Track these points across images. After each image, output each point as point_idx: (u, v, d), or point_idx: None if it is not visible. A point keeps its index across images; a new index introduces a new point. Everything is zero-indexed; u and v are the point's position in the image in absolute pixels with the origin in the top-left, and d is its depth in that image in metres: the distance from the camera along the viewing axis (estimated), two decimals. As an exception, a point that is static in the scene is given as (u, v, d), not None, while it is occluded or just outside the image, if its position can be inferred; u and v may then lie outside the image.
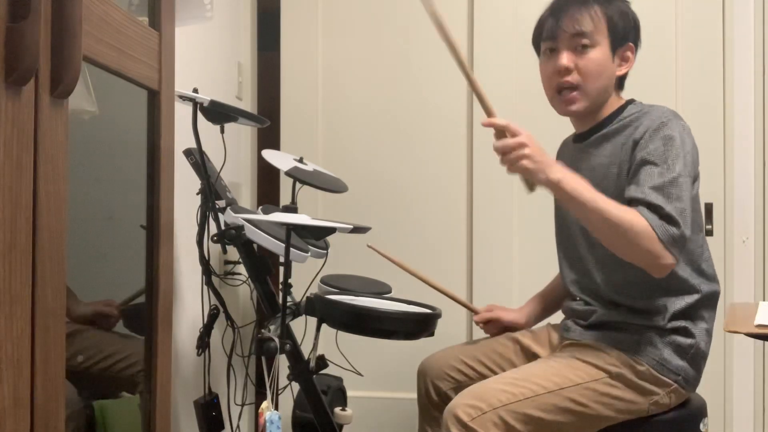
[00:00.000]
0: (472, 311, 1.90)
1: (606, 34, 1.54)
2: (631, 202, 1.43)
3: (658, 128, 1.46)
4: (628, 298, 1.52)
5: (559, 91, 1.58)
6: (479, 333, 2.05)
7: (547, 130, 2.30)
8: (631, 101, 1.61)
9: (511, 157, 1.40)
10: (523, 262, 2.36)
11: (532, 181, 1.44)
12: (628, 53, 1.59)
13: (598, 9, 1.54)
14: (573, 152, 1.67)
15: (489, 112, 1.49)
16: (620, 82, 1.62)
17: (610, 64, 1.56)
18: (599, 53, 1.54)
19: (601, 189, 1.53)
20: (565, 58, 1.54)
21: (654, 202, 1.39)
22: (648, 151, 1.45)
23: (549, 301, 1.85)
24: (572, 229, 1.63)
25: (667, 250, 1.38)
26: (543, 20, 1.61)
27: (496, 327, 1.84)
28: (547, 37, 1.58)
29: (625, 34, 1.57)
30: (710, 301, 1.54)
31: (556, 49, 1.57)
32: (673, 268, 1.42)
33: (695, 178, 1.49)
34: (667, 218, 1.38)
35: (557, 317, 1.75)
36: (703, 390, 1.58)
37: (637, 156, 1.47)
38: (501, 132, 1.44)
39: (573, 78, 1.55)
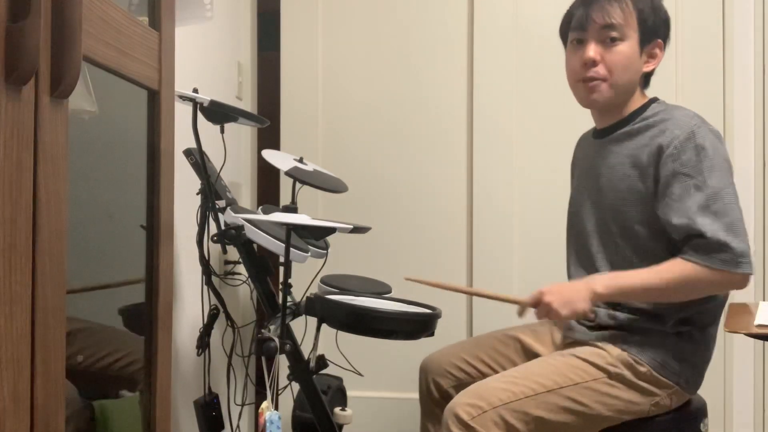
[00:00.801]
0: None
1: (636, 28, 1.52)
2: (678, 229, 1.43)
3: (689, 137, 1.44)
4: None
5: (584, 80, 1.55)
6: (479, 332, 2.05)
7: (547, 130, 2.31)
8: (654, 99, 1.59)
9: (551, 318, 1.50)
10: (523, 261, 2.36)
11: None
12: (656, 50, 1.57)
13: (629, 2, 1.52)
14: (592, 148, 1.66)
15: (514, 302, 1.55)
16: (646, 80, 1.60)
17: (638, 59, 1.54)
18: (627, 47, 1.52)
19: (618, 189, 1.53)
20: (593, 50, 1.52)
21: (700, 230, 1.40)
22: (681, 162, 1.44)
23: None
24: (586, 227, 1.62)
25: (731, 271, 1.39)
26: (573, 10, 1.59)
27: None
28: (575, 27, 1.56)
29: (655, 30, 1.55)
30: (716, 308, 1.53)
31: (584, 40, 1.55)
32: None
33: (733, 183, 1.47)
34: (716, 247, 1.39)
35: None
36: (703, 390, 1.58)
37: (668, 166, 1.45)
38: (533, 305, 1.51)
39: (599, 71, 1.53)
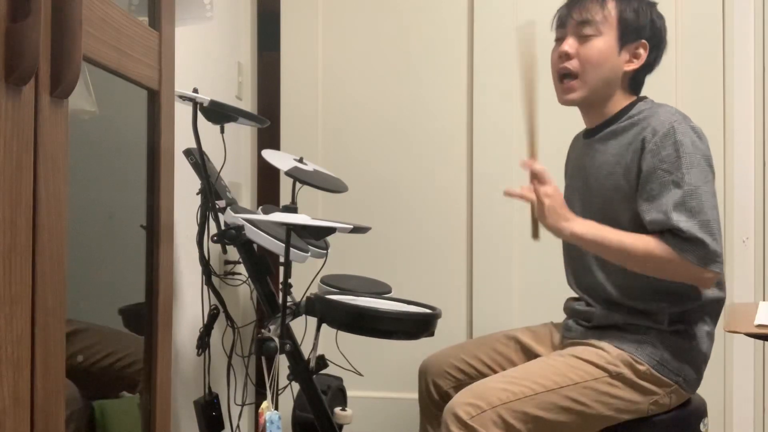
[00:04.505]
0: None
1: (615, 26, 1.55)
2: (652, 224, 1.44)
3: (668, 133, 1.45)
4: (629, 299, 1.52)
5: (561, 79, 1.60)
6: (479, 333, 2.05)
7: (547, 130, 2.31)
8: (641, 98, 1.61)
9: (533, 207, 1.49)
10: (523, 261, 2.36)
11: (538, 229, 1.51)
12: (640, 50, 1.58)
13: (611, 3, 1.56)
14: (582, 148, 1.68)
15: (532, 153, 1.54)
16: (633, 82, 1.61)
17: (615, 56, 1.56)
18: (602, 43, 1.55)
19: (604, 188, 1.54)
20: (567, 44, 1.57)
21: (676, 226, 1.40)
22: (660, 158, 1.44)
23: None
24: None
25: (702, 267, 1.39)
26: (558, 11, 1.64)
27: None
28: (557, 25, 1.62)
29: (636, 30, 1.56)
30: (712, 306, 1.54)
31: (563, 37, 1.60)
32: None
33: (713, 181, 1.48)
34: (690, 240, 1.39)
35: (561, 316, 1.75)
36: (703, 390, 1.58)
37: (648, 162, 1.46)
38: (534, 175, 1.50)
39: (573, 64, 1.56)
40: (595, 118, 1.62)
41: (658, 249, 1.41)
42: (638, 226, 1.49)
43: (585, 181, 1.62)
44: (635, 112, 1.56)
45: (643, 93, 1.64)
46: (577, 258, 1.63)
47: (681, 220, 1.39)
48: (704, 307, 1.52)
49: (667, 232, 1.42)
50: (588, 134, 1.66)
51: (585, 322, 1.60)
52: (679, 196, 1.41)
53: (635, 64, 1.59)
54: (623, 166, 1.52)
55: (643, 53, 1.59)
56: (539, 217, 1.49)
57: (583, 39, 1.56)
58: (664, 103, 1.57)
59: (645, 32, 1.58)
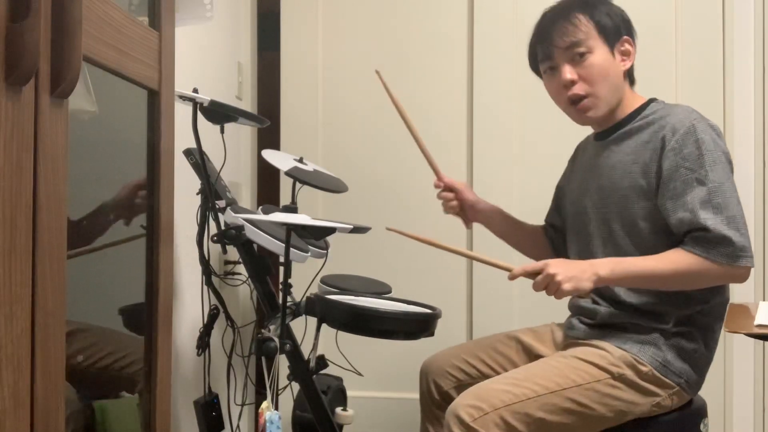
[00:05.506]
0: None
1: (598, 37, 1.55)
2: (680, 224, 1.44)
3: (689, 131, 1.46)
4: (636, 299, 1.52)
5: (572, 102, 1.58)
6: (479, 333, 2.05)
7: (547, 130, 2.31)
8: (653, 100, 1.61)
9: (550, 291, 1.44)
10: (523, 261, 2.35)
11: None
12: (627, 46, 1.59)
13: (582, 16, 1.55)
14: (594, 149, 1.67)
15: (506, 269, 1.50)
16: (630, 77, 1.62)
17: (613, 62, 1.56)
18: (598, 57, 1.55)
19: (620, 187, 1.54)
20: (567, 72, 1.55)
21: (702, 224, 1.40)
22: (683, 156, 1.45)
23: (504, 221, 1.87)
24: (587, 228, 1.63)
25: (733, 265, 1.40)
26: (534, 45, 1.62)
27: (455, 200, 1.87)
28: (544, 58, 1.60)
29: (617, 30, 1.57)
30: (718, 309, 1.54)
31: (555, 66, 1.58)
32: None
33: (733, 178, 1.48)
34: (716, 240, 1.40)
35: (562, 316, 1.75)
36: (703, 390, 1.58)
37: (670, 160, 1.46)
38: (529, 274, 1.46)
39: (580, 88, 1.55)
40: (607, 121, 1.62)
41: (686, 262, 1.42)
42: (654, 223, 1.50)
43: (597, 182, 1.61)
44: (649, 112, 1.57)
45: (643, 93, 1.64)
46: (586, 255, 1.62)
47: (708, 219, 1.40)
48: (710, 309, 1.52)
49: (689, 239, 1.43)
50: (600, 136, 1.65)
51: (588, 320, 1.59)
52: (704, 193, 1.42)
53: (629, 61, 1.60)
54: (641, 165, 1.52)
55: (630, 48, 1.60)
56: (564, 295, 1.43)
57: (577, 61, 1.55)
58: (679, 104, 1.58)
59: (622, 29, 1.59)
